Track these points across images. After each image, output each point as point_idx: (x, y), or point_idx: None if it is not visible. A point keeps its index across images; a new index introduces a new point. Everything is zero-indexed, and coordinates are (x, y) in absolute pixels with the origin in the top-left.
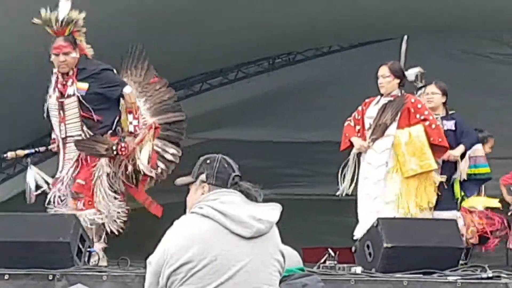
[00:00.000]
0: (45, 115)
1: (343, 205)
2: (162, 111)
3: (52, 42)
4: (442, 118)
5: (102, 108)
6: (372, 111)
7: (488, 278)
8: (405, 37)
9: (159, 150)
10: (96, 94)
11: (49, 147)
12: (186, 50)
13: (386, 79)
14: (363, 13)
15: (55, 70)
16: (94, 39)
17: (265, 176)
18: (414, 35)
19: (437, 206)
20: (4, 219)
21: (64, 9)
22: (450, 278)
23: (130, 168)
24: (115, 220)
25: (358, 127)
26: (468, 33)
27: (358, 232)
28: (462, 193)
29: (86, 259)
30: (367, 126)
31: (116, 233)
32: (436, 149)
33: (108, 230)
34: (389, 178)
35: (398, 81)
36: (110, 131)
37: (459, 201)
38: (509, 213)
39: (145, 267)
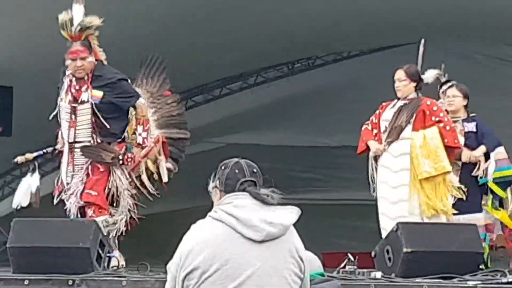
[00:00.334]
0: (51, 117)
1: (361, 209)
2: (169, 125)
3: (69, 47)
4: (463, 121)
5: (113, 116)
6: (388, 114)
7: (508, 283)
8: (422, 40)
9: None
10: (110, 103)
11: (56, 147)
12: (206, 55)
13: (402, 83)
14: (382, 17)
15: (68, 73)
16: (113, 45)
17: (283, 180)
18: (433, 39)
19: (463, 209)
20: (24, 224)
21: (78, 13)
22: (470, 283)
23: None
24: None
25: (375, 131)
26: (486, 37)
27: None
28: (491, 196)
29: (106, 264)
30: (383, 129)
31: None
32: (451, 151)
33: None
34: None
35: (414, 84)
36: (119, 140)
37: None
38: None
39: (164, 272)
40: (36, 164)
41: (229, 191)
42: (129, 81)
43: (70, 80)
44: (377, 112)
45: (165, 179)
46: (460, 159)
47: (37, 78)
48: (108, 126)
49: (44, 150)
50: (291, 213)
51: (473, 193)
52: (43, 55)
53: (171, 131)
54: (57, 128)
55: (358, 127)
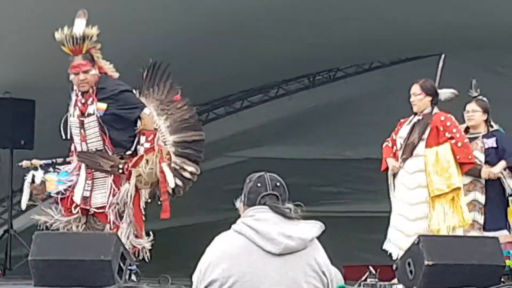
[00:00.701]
0: (62, 133)
1: (383, 222)
2: (183, 129)
3: (71, 61)
4: (483, 136)
5: (120, 128)
6: (404, 130)
7: None
8: (443, 55)
9: (177, 167)
10: (114, 115)
11: (67, 159)
12: (227, 67)
13: (417, 97)
14: (403, 29)
15: (75, 87)
16: (135, 59)
17: (305, 193)
18: (455, 51)
19: (490, 226)
20: (45, 237)
21: (79, 26)
22: None
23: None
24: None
25: (395, 148)
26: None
27: (388, 246)
28: None
29: (127, 277)
30: (398, 146)
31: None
32: (465, 167)
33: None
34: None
35: (430, 98)
36: (129, 152)
37: None
38: None
39: (185, 285)
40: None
41: (250, 204)
42: (134, 91)
43: (77, 95)
44: (396, 128)
45: (172, 184)
46: (479, 176)
47: (59, 92)
48: (115, 138)
49: (54, 160)
50: (312, 228)
51: (498, 210)
52: (65, 69)
53: (186, 134)
54: (70, 142)
55: (380, 139)
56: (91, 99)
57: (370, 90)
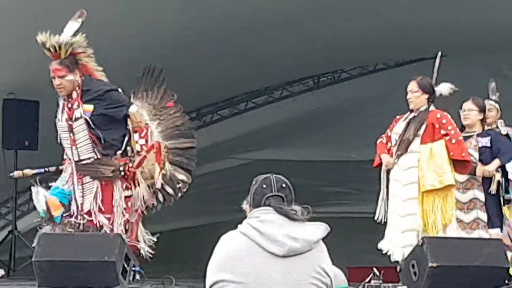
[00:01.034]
0: (59, 140)
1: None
2: (175, 136)
3: (50, 65)
4: (478, 135)
5: (109, 128)
6: (399, 127)
7: None
8: (439, 53)
9: (169, 175)
10: (102, 115)
11: (60, 167)
12: (231, 69)
13: (414, 94)
14: (408, 31)
15: None
16: (136, 62)
17: (310, 194)
18: (460, 54)
19: (493, 224)
20: (49, 238)
21: (66, 31)
22: None
23: (148, 182)
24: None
25: (389, 144)
26: None
27: (383, 245)
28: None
29: (131, 278)
30: (393, 142)
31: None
32: (460, 164)
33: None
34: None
35: (426, 96)
36: (120, 151)
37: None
38: None
39: (188, 286)
40: (37, 180)
41: (256, 205)
42: (120, 90)
43: (64, 99)
44: (391, 125)
45: (158, 185)
46: (475, 174)
47: None
48: (106, 139)
49: (46, 169)
50: (318, 229)
51: (491, 209)
52: None
53: (178, 141)
54: (63, 149)
55: None
56: (76, 103)
57: (374, 92)
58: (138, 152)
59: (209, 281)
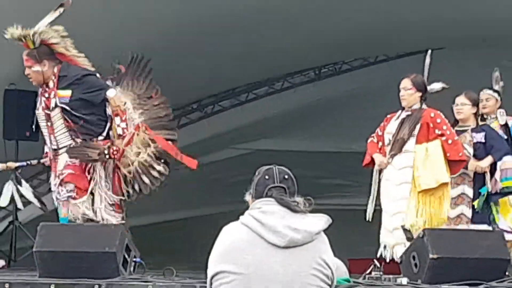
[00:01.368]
0: (34, 126)
1: None
2: (157, 127)
3: None
4: (472, 130)
5: (89, 113)
6: (392, 126)
7: None
8: (429, 51)
9: (146, 165)
10: (80, 100)
11: (42, 160)
12: (233, 60)
13: (407, 92)
14: (409, 23)
15: None
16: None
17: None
18: (460, 46)
19: (476, 219)
20: (50, 229)
21: (41, 21)
22: None
23: (125, 170)
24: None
25: (380, 144)
26: None
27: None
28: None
29: (132, 269)
30: (386, 142)
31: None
32: (454, 164)
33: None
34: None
35: (419, 94)
36: (102, 137)
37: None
38: None
39: (190, 278)
40: (17, 173)
41: (258, 196)
42: (98, 75)
43: (41, 88)
44: (382, 124)
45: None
46: (467, 169)
47: None
48: (86, 124)
49: (28, 162)
50: (319, 221)
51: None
52: None
53: (159, 132)
54: (44, 143)
55: None
56: (53, 92)
57: (375, 84)
58: (120, 135)
59: (210, 272)
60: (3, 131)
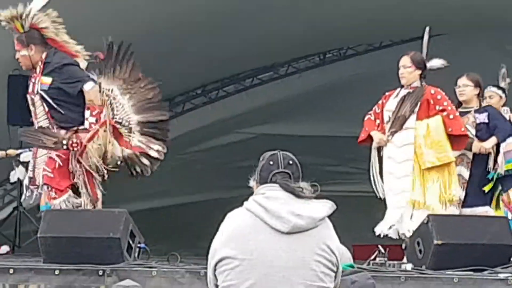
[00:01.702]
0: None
1: None
2: (147, 109)
3: None
4: (475, 111)
5: (68, 102)
6: (391, 104)
7: None
8: (427, 28)
9: (144, 146)
10: (58, 89)
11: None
12: (237, 45)
13: (407, 69)
14: (414, 8)
15: None
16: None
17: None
18: (463, 30)
19: (467, 202)
20: (55, 215)
21: (33, 4)
22: (501, 276)
23: (85, 164)
24: None
25: (378, 121)
26: None
27: (379, 228)
28: (500, 188)
29: (136, 254)
30: (386, 119)
31: None
32: (456, 140)
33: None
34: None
35: (419, 72)
36: (83, 126)
37: (495, 197)
38: None
39: (194, 263)
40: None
41: (262, 182)
42: (81, 66)
43: (31, 72)
44: (380, 102)
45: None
46: (471, 150)
47: None
48: (63, 112)
49: (31, 148)
50: (323, 207)
51: (477, 188)
52: None
53: (150, 114)
54: None
55: None
56: (38, 78)
57: (380, 68)
58: (85, 129)
59: (214, 258)
60: (7, 116)
